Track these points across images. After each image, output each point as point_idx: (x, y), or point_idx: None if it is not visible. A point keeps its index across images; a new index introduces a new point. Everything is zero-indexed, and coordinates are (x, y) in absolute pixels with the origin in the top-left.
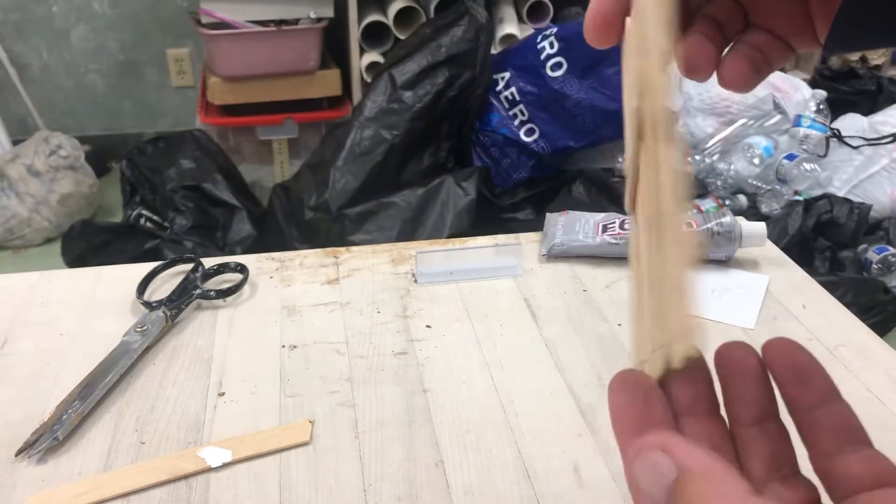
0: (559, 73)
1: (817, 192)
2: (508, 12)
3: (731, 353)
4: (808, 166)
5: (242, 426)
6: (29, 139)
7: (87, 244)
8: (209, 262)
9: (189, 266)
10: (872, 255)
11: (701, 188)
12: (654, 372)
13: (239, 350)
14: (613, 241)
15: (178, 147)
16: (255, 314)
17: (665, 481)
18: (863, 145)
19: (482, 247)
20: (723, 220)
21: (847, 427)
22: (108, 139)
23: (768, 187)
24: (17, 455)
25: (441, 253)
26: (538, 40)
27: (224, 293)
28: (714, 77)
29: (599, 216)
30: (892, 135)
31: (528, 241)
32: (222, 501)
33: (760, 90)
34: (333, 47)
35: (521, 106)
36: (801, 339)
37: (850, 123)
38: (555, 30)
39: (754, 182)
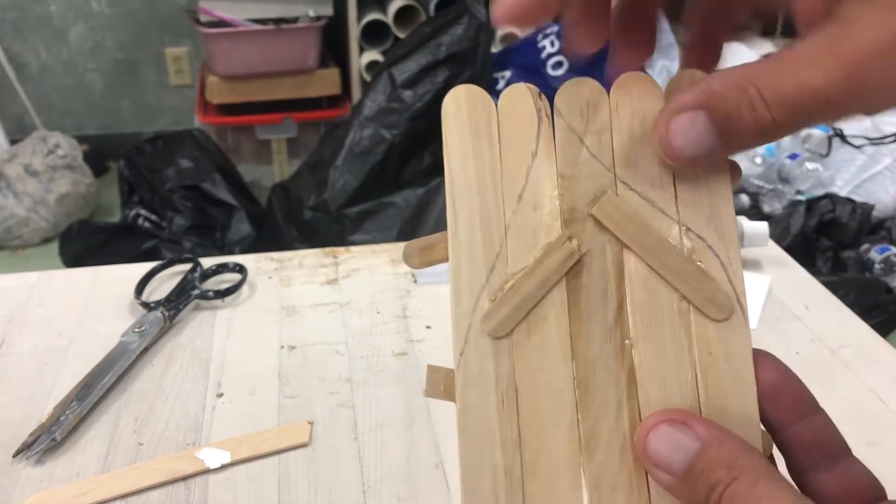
0: (560, 71)
1: (819, 192)
2: None
3: None
4: (810, 166)
5: (241, 427)
6: (27, 139)
7: (84, 244)
8: (208, 262)
9: (187, 266)
10: (875, 255)
11: None
12: None
13: (237, 351)
14: None
15: (176, 146)
16: (254, 315)
17: (687, 453)
18: (865, 145)
19: None
20: None
21: (820, 442)
22: (106, 139)
23: (770, 187)
24: (14, 456)
25: None
26: (539, 39)
27: (223, 293)
28: None
29: None
30: (895, 134)
31: None
32: (221, 503)
33: None
34: (333, 46)
35: None
36: (804, 339)
37: (853, 123)
38: (556, 28)
39: (756, 182)
